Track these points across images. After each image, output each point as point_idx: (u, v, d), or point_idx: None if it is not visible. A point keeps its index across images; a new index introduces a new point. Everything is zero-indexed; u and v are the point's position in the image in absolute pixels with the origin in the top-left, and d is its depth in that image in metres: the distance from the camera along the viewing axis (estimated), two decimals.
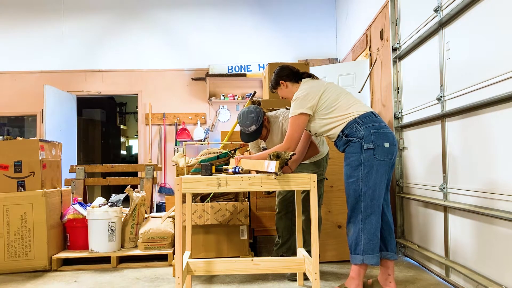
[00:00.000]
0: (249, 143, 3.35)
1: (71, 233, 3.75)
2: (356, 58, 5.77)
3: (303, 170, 3.07)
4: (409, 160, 3.75)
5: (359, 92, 5.12)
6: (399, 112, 3.92)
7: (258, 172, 2.58)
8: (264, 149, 3.28)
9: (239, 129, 5.06)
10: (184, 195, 3.23)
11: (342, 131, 2.60)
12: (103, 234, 3.61)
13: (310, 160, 3.12)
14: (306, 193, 3.08)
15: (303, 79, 2.81)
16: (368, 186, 2.51)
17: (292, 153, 2.44)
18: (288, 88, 2.82)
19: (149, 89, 7.15)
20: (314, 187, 2.41)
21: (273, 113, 3.19)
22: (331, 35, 7.17)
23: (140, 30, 7.18)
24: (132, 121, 12.47)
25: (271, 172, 2.38)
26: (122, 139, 12.34)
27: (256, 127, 2.97)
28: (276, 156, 2.40)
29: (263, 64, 6.98)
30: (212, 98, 7.01)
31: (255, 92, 4.70)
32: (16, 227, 3.45)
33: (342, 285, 2.66)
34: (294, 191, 3.05)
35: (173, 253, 3.57)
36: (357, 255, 2.54)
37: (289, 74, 2.83)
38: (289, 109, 3.02)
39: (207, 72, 7.04)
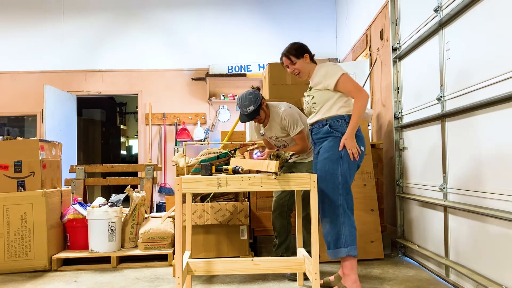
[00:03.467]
0: (254, 129, 3.40)
1: (71, 233, 3.75)
2: (356, 58, 5.78)
3: (297, 171, 3.08)
4: (409, 160, 3.75)
5: None
6: (399, 112, 3.91)
7: (258, 172, 2.58)
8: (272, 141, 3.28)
9: (239, 129, 5.03)
10: (184, 195, 3.23)
11: (326, 120, 2.69)
12: (103, 234, 3.61)
13: (303, 160, 3.14)
14: (304, 193, 3.08)
15: (317, 63, 2.91)
16: (345, 180, 2.61)
17: (291, 153, 2.45)
18: (308, 64, 2.87)
19: (149, 89, 7.15)
20: (314, 187, 2.41)
21: (275, 103, 3.23)
22: (331, 35, 7.17)
23: (140, 30, 7.17)
24: (132, 121, 12.46)
25: (271, 172, 2.39)
26: (122, 139, 12.33)
27: (254, 108, 3.05)
28: (276, 156, 2.40)
29: (263, 64, 6.98)
30: (212, 98, 7.01)
31: None
32: (16, 227, 3.44)
33: (341, 284, 2.66)
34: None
35: (173, 253, 3.57)
36: (340, 248, 2.58)
37: (311, 53, 2.91)
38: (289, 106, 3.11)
39: (207, 72, 7.03)
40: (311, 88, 2.84)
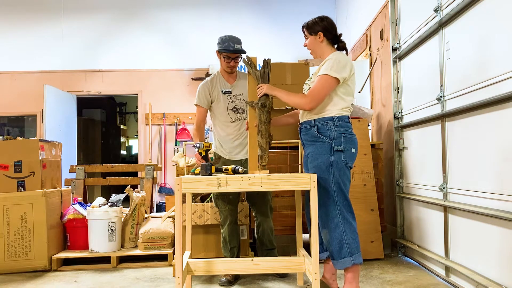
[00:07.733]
0: (203, 90, 3.45)
1: (71, 233, 3.75)
2: (356, 58, 5.77)
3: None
4: (409, 160, 3.75)
5: (359, 92, 5.11)
6: (399, 112, 3.91)
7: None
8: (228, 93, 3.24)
9: None
10: (184, 195, 3.23)
11: (315, 121, 2.56)
12: (103, 234, 3.61)
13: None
14: (254, 197, 3.12)
15: (337, 50, 2.70)
16: (339, 188, 2.51)
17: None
18: (322, 43, 2.66)
19: (149, 89, 7.15)
20: (314, 187, 2.41)
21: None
22: None
23: (140, 30, 7.17)
24: (132, 121, 12.46)
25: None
26: (122, 139, 12.33)
27: (242, 48, 3.09)
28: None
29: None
30: None
31: None
32: (16, 227, 3.44)
33: None
34: (235, 193, 3.08)
35: (173, 253, 3.57)
36: (344, 258, 2.50)
37: (333, 34, 2.67)
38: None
39: (207, 72, 7.02)
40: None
